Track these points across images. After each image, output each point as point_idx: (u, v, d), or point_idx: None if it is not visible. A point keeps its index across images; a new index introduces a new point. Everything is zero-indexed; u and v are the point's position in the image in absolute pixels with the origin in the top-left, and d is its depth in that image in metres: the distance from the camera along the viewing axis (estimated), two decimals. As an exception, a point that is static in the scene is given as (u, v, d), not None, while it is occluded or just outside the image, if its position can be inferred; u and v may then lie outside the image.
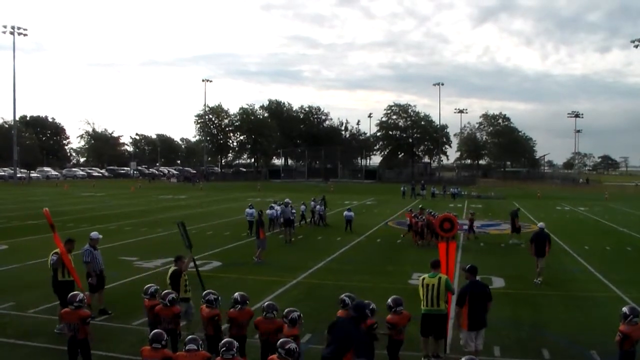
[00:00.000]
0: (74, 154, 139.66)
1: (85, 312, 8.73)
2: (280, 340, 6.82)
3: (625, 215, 39.61)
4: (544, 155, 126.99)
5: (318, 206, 29.54)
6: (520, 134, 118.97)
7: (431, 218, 23.03)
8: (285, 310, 7.13)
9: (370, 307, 8.86)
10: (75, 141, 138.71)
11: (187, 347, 6.90)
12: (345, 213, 27.92)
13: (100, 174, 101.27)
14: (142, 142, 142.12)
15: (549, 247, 16.54)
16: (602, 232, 29.25)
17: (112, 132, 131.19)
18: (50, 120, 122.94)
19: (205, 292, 9.26)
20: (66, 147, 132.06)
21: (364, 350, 7.47)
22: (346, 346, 7.39)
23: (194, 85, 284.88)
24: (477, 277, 10.00)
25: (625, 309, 8.33)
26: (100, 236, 12.16)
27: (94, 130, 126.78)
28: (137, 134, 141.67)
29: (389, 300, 9.17)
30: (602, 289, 15.70)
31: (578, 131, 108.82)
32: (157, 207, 40.92)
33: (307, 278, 16.63)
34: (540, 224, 17.37)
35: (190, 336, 7.22)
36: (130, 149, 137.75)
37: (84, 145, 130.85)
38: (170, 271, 10.78)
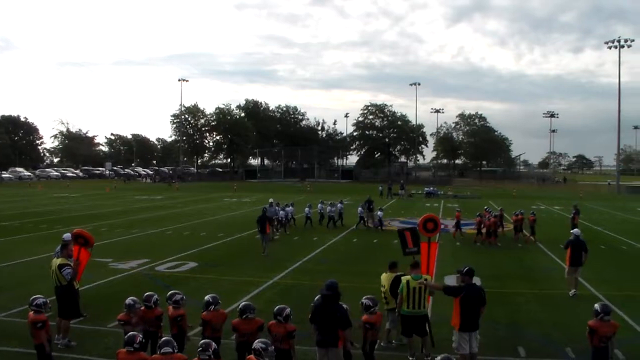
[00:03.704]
0: (47, 154, 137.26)
1: (38, 316, 8.57)
2: (255, 341, 6.78)
3: (600, 213, 40.25)
4: (520, 155, 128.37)
5: (329, 207, 30.02)
6: (496, 133, 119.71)
7: (494, 219, 24.33)
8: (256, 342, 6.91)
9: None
10: (48, 141, 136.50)
11: (162, 350, 6.81)
12: (378, 213, 28.91)
13: (74, 175, 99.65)
14: (118, 142, 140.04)
15: (586, 256, 14.96)
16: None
17: (87, 132, 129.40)
18: (23, 119, 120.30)
19: (171, 292, 9.27)
20: (39, 147, 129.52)
21: (347, 322, 8.23)
22: (334, 325, 8.11)
23: (169, 85, 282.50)
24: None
25: (597, 306, 8.64)
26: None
27: (68, 130, 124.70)
28: (112, 134, 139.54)
29: (366, 300, 9.15)
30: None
31: (553, 131, 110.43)
32: (133, 208, 40.42)
33: (282, 279, 16.57)
34: (576, 230, 16.01)
35: (164, 338, 7.12)
36: (105, 149, 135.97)
37: (58, 145, 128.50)
38: (390, 277, 10.56)
